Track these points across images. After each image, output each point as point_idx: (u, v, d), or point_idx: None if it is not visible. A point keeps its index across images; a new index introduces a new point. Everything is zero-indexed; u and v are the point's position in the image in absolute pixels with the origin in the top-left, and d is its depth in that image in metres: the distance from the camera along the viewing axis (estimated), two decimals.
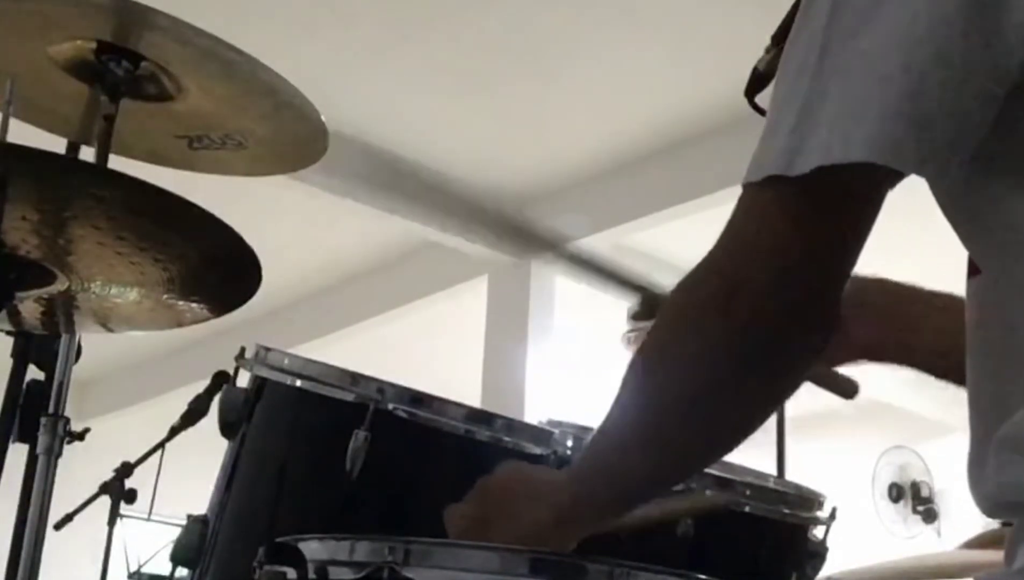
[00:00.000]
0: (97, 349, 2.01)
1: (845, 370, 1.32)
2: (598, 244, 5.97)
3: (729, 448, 1.01)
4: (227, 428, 1.38)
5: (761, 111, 1.11)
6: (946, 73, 0.78)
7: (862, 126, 0.78)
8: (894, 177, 0.82)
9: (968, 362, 0.90)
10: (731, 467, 1.43)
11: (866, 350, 1.27)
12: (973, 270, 0.89)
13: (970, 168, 0.81)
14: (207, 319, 1.58)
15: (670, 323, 0.94)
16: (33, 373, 1.85)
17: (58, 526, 2.13)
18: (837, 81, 0.81)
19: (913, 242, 3.97)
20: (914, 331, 1.27)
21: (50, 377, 1.83)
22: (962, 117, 0.79)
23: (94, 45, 1.75)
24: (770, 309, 0.87)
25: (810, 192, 0.82)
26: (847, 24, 0.82)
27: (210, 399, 1.95)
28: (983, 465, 0.84)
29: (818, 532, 1.46)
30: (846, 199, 0.85)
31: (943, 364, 1.24)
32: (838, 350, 1.26)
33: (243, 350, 1.41)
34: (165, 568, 2.29)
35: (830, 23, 0.82)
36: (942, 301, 1.26)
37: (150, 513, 2.47)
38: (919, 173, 0.81)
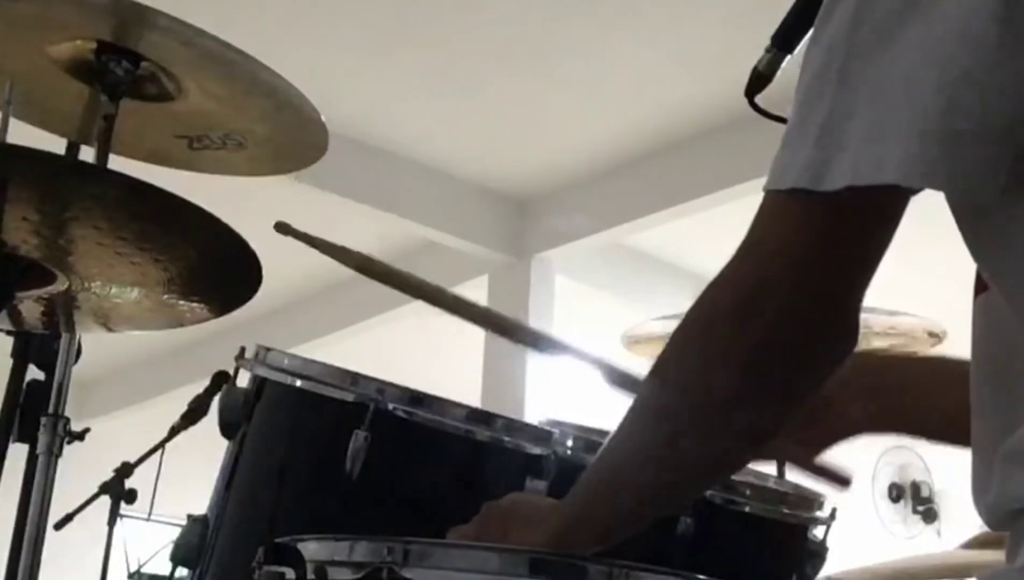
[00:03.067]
0: (97, 349, 2.02)
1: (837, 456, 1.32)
2: (597, 244, 5.99)
3: (741, 463, 1.01)
4: (227, 428, 1.38)
5: (762, 111, 1.11)
6: (977, 90, 0.76)
7: (893, 146, 0.77)
8: (917, 190, 0.81)
9: (973, 378, 0.90)
10: None
11: (854, 427, 1.26)
12: (980, 287, 0.89)
13: (1004, 186, 0.79)
14: (207, 319, 1.58)
15: (693, 332, 0.93)
16: (33, 373, 1.85)
17: (58, 526, 2.12)
18: (864, 95, 0.80)
19: (915, 249, 3.97)
20: (900, 401, 1.26)
21: (50, 377, 1.83)
22: (995, 135, 0.77)
23: (94, 45, 1.75)
24: (791, 322, 0.86)
25: (836, 208, 0.81)
26: (872, 34, 0.80)
27: (210, 399, 1.94)
28: (988, 479, 0.83)
29: (818, 532, 1.46)
30: (872, 216, 0.84)
31: (935, 428, 1.24)
32: (828, 432, 1.26)
33: (243, 350, 1.41)
34: (165, 568, 2.29)
35: (853, 30, 0.81)
36: (926, 366, 1.26)
37: (150, 513, 2.46)
38: (950, 193, 0.80)
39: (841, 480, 1.32)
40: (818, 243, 0.84)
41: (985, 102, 0.77)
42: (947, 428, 1.20)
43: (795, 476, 1.32)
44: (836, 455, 1.29)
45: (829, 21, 0.84)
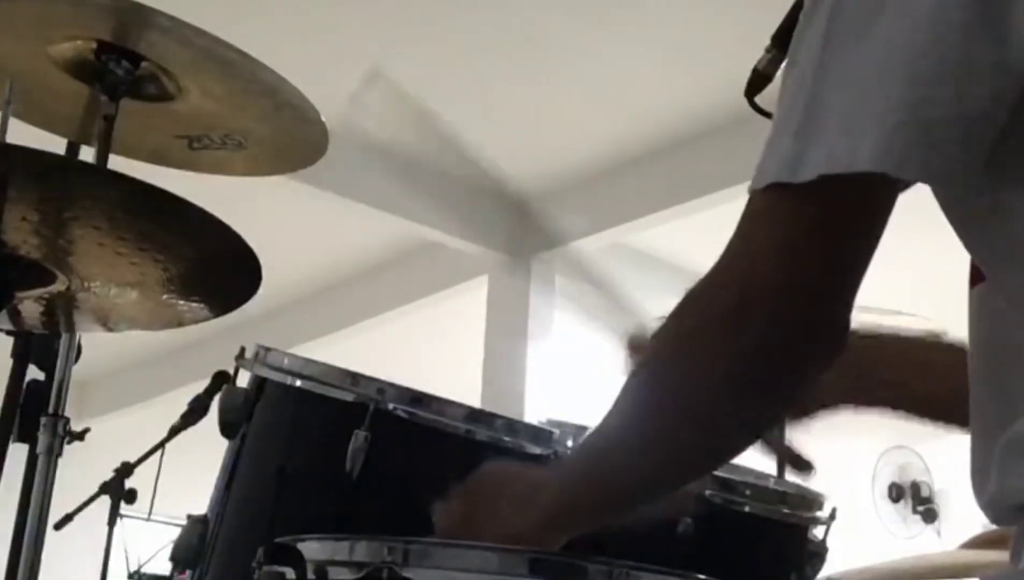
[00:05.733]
0: (97, 349, 2.01)
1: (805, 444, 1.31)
2: (597, 244, 5.98)
3: (729, 457, 1.01)
4: (227, 428, 1.38)
5: (761, 111, 1.10)
6: (952, 80, 0.77)
7: (867, 135, 0.77)
8: (903, 184, 0.82)
9: (971, 371, 0.90)
10: (731, 467, 1.43)
11: (829, 402, 1.25)
12: (976, 279, 0.89)
13: (981, 175, 0.79)
14: (207, 319, 1.57)
15: (678, 330, 0.93)
16: (33, 373, 1.85)
17: (58, 526, 2.12)
18: (840, 88, 0.80)
19: (912, 249, 3.97)
20: (875, 377, 1.25)
21: (50, 377, 1.83)
22: (970, 124, 0.77)
23: (94, 45, 1.75)
24: (779, 319, 0.86)
25: (815, 200, 0.82)
26: (849, 28, 0.81)
27: (210, 399, 1.94)
28: (986, 472, 0.84)
29: (818, 532, 1.46)
30: (852, 208, 0.84)
31: (909, 405, 1.24)
32: (801, 407, 1.24)
33: (243, 350, 1.41)
34: (165, 568, 2.29)
35: (830, 27, 0.82)
36: (901, 344, 1.26)
37: (150, 513, 2.47)
38: (926, 182, 0.80)
39: (803, 465, 1.31)
40: (801, 238, 0.84)
41: (958, 91, 0.77)
42: (921, 405, 1.20)
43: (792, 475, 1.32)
44: (835, 455, 1.29)
45: (811, 19, 0.84)
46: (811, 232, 0.84)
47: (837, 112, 0.80)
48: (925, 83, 0.77)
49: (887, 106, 0.77)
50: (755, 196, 0.86)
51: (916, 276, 5.32)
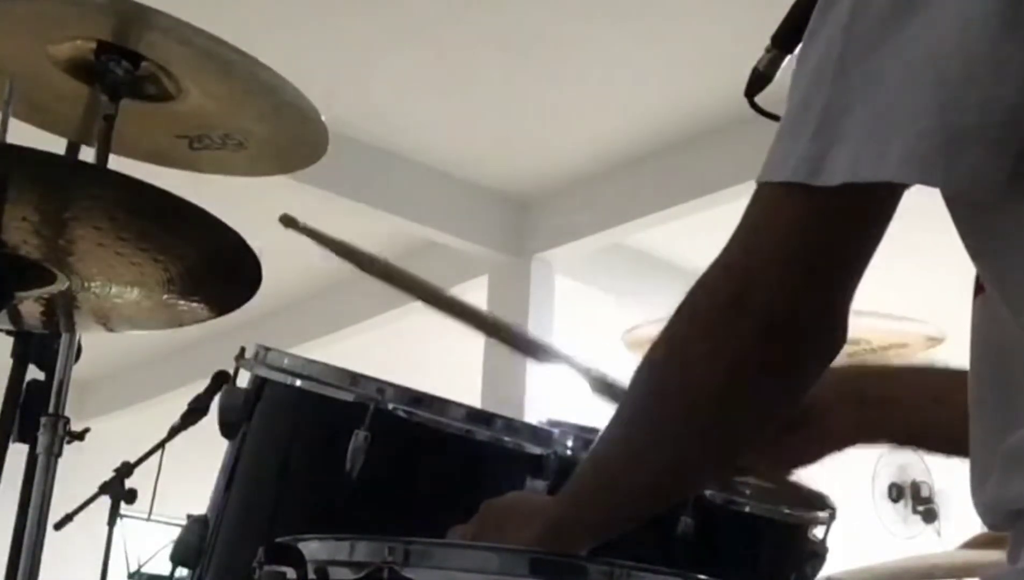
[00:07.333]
0: (97, 349, 2.01)
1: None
2: (597, 244, 5.98)
3: (732, 457, 1.00)
4: (227, 428, 1.38)
5: (761, 111, 1.10)
6: (978, 87, 0.76)
7: (892, 143, 0.76)
8: (909, 187, 0.81)
9: (971, 378, 0.89)
10: None
11: (846, 438, 1.24)
12: (980, 287, 0.88)
13: (1004, 181, 0.78)
14: (207, 319, 1.57)
15: (683, 324, 0.93)
16: (33, 373, 1.85)
17: (58, 526, 2.12)
18: (863, 89, 0.79)
19: (916, 251, 3.97)
20: (893, 412, 1.24)
21: (50, 377, 1.83)
22: (998, 130, 0.76)
23: (94, 45, 1.75)
24: (782, 314, 0.86)
25: (831, 204, 0.81)
26: (871, 27, 0.80)
27: (210, 399, 1.94)
28: (986, 479, 0.83)
29: (818, 532, 1.46)
30: (866, 212, 0.84)
31: (931, 440, 1.24)
32: (818, 444, 1.23)
33: (243, 350, 1.41)
34: (165, 568, 2.29)
35: (852, 23, 0.81)
36: (918, 376, 1.26)
37: (150, 513, 2.47)
38: (951, 190, 0.79)
39: (815, 505, 1.31)
40: (812, 238, 0.84)
41: (986, 99, 0.76)
42: (942, 440, 1.19)
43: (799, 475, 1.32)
44: (835, 456, 1.29)
45: (827, 15, 0.83)
46: (821, 234, 0.84)
47: (860, 115, 0.79)
48: (951, 89, 0.76)
49: (912, 112, 0.76)
50: (764, 189, 0.85)
51: (915, 279, 5.33)
